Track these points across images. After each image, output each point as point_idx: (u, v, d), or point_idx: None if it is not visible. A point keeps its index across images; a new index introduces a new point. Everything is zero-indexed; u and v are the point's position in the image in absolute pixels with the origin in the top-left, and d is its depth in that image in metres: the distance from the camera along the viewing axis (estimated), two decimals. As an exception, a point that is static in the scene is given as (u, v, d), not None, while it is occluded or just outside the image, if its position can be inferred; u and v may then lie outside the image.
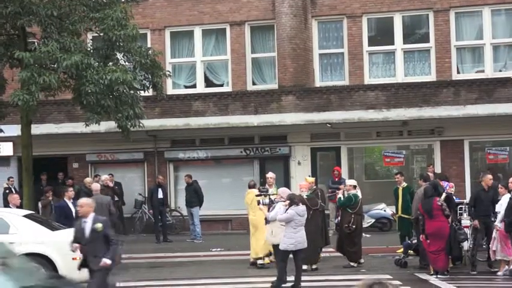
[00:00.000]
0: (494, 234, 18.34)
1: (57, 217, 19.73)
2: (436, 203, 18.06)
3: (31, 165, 23.43)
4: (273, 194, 19.08)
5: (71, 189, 21.01)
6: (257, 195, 19.67)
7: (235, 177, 29.55)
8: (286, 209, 17.27)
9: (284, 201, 17.30)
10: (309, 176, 23.33)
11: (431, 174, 22.83)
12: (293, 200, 17.36)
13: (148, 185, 29.22)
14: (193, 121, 28.43)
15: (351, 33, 29.32)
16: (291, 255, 17.22)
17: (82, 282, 13.69)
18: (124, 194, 28.48)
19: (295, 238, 17.04)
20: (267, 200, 18.78)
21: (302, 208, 17.47)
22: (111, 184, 26.42)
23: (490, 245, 18.50)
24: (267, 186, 20.87)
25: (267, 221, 17.88)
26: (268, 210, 18.00)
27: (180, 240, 26.88)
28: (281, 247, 17.21)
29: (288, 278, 17.32)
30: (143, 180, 29.96)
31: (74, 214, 19.06)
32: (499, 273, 18.29)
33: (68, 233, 17.70)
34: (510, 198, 18.03)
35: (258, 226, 19.90)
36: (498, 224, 18.19)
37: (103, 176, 26.86)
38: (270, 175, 21.59)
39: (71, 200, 20.15)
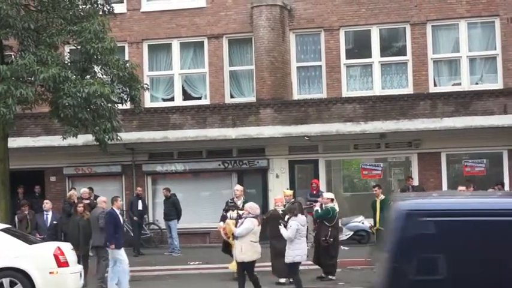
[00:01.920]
0: None
1: (107, 224, 19.47)
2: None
3: (8, 178, 23.28)
4: (240, 209, 19.05)
5: (120, 198, 20.92)
6: (225, 210, 19.62)
7: (214, 190, 29.52)
8: (287, 220, 17.41)
9: (253, 217, 17.19)
10: (287, 189, 23.35)
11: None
12: (293, 212, 17.48)
13: (126, 198, 29.06)
14: (171, 134, 28.38)
15: (328, 46, 29.40)
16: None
17: None
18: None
19: (301, 249, 17.23)
20: (234, 215, 18.75)
21: (303, 218, 17.69)
22: (86, 200, 25.70)
23: None
24: (234, 199, 20.93)
25: (234, 237, 17.71)
26: (236, 226, 17.88)
27: (158, 253, 26.77)
28: (288, 260, 17.27)
29: None
30: (121, 193, 29.73)
31: (122, 222, 19.59)
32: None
33: (45, 247, 17.65)
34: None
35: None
36: None
37: (81, 190, 26.67)
38: (237, 187, 21.72)
39: (119, 210, 20.12)
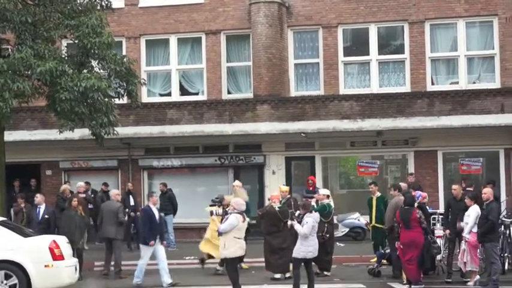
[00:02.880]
0: (463, 246, 18.43)
1: (144, 222, 19.63)
2: (416, 214, 18.13)
3: (4, 172, 23.24)
4: (226, 205, 18.98)
5: (155, 194, 20.84)
6: (210, 205, 19.59)
7: (210, 186, 29.49)
8: (302, 217, 17.40)
9: (238, 213, 17.12)
10: (283, 185, 23.34)
11: (404, 185, 22.81)
12: (308, 208, 17.49)
13: (122, 193, 28.95)
14: (168, 129, 28.39)
15: (326, 44, 29.40)
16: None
17: None
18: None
19: (313, 246, 17.30)
20: (220, 211, 18.68)
21: (317, 215, 17.75)
22: (82, 194, 25.76)
23: (460, 257, 18.58)
24: (233, 194, 20.93)
25: (219, 233, 17.65)
26: (221, 222, 17.78)
27: (153, 248, 26.69)
28: (298, 256, 17.25)
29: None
30: (117, 187, 29.65)
31: (157, 218, 19.45)
32: (469, 283, 18.38)
33: (40, 240, 17.64)
34: (482, 208, 18.14)
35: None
36: (467, 235, 18.26)
37: (77, 184, 26.65)
38: (236, 183, 21.70)
39: (154, 205, 20.09)
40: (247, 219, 17.79)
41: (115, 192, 22.22)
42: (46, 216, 21.32)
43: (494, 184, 24.77)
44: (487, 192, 18.37)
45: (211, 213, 19.42)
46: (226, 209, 18.29)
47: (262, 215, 19.87)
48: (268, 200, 21.10)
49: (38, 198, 21.83)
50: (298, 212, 18.79)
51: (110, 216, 21.15)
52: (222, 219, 17.95)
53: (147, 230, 19.34)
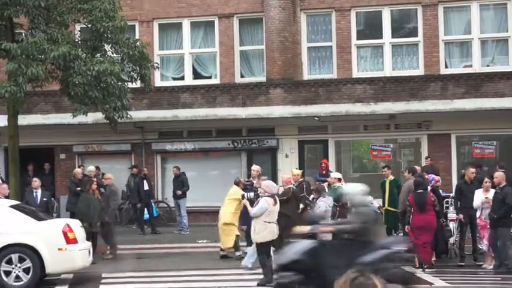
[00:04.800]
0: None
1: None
2: (431, 197, 18.16)
3: (18, 155, 23.36)
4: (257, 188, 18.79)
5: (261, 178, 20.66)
6: (243, 189, 19.46)
7: (223, 170, 29.55)
8: (315, 200, 17.31)
9: (269, 196, 16.90)
10: (296, 169, 23.32)
11: (418, 168, 22.80)
12: (321, 193, 17.37)
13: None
14: (181, 113, 28.40)
15: (339, 27, 29.31)
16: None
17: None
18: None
19: None
20: (252, 194, 18.46)
21: (330, 199, 17.61)
22: (94, 178, 25.85)
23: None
24: (251, 179, 20.87)
25: (251, 217, 17.42)
26: (252, 206, 17.59)
27: (166, 231, 26.89)
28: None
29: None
30: (130, 171, 29.84)
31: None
32: (489, 266, 18.44)
33: (54, 223, 17.75)
34: (496, 192, 18.13)
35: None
36: None
37: (88, 167, 26.71)
38: (255, 168, 21.58)
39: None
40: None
41: (109, 176, 22.75)
42: (44, 199, 21.46)
43: (481, 167, 24.47)
44: (499, 176, 18.36)
45: (243, 196, 19.21)
46: (258, 192, 18.06)
47: (288, 199, 19.26)
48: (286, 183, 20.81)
49: (37, 182, 21.92)
50: (312, 196, 18.72)
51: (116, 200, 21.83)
52: (253, 203, 17.64)
53: (242, 215, 19.13)
